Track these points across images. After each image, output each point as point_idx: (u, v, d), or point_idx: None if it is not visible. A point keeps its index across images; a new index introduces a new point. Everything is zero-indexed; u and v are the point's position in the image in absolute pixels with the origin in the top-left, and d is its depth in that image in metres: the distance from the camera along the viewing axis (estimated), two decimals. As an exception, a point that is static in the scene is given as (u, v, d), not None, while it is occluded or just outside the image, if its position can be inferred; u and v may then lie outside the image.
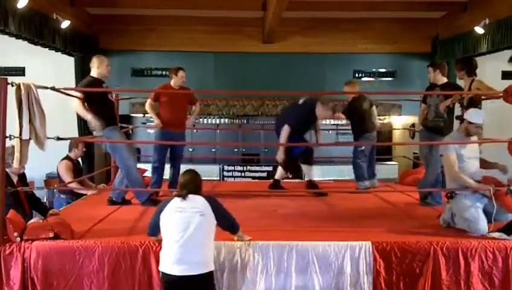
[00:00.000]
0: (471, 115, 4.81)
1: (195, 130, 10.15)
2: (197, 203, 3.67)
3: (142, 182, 5.94)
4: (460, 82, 6.01)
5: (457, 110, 5.88)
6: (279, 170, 6.90)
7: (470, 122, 4.74)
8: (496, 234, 4.29)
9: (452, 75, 6.93)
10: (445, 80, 5.92)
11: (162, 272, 3.63)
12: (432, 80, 5.98)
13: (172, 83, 6.57)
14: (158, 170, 6.54)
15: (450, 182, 4.79)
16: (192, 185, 3.74)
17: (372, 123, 7.07)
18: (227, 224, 3.89)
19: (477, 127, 4.72)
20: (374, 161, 7.43)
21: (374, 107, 7.16)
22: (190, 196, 3.68)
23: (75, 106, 5.47)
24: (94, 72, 5.76)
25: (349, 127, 7.39)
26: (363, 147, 6.92)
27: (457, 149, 4.68)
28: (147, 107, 6.64)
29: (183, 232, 3.54)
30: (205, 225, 3.63)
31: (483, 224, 4.39)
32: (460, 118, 5.33)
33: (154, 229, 3.81)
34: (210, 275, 3.64)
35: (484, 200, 4.57)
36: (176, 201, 3.68)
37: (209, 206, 3.68)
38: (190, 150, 10.09)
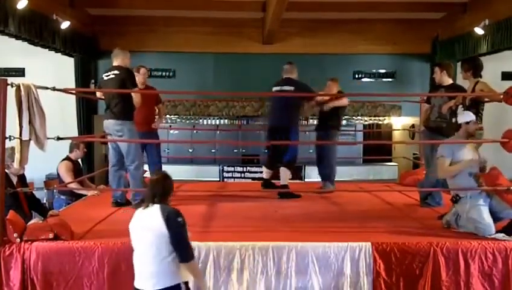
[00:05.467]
0: (463, 116, 4.85)
1: (195, 131, 10.18)
2: (152, 215, 3.24)
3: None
4: (464, 83, 6.00)
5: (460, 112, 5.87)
6: (286, 173, 6.60)
7: (466, 123, 4.76)
8: (499, 235, 4.29)
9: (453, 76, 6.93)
10: (450, 81, 5.91)
11: None
12: (437, 81, 5.96)
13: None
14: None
15: (453, 184, 4.79)
16: (151, 192, 3.32)
17: None
18: (176, 249, 3.21)
19: (474, 124, 4.76)
20: None
21: None
22: (149, 205, 3.29)
23: None
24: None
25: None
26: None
27: (456, 155, 4.68)
28: None
29: (137, 245, 3.31)
30: (156, 239, 3.20)
31: (490, 224, 4.38)
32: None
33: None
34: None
35: (488, 199, 4.58)
36: (138, 211, 3.36)
37: (162, 221, 3.19)
38: (190, 150, 10.11)
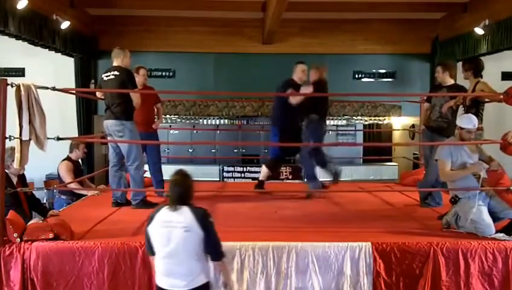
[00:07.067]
0: (462, 120, 4.86)
1: (195, 131, 10.18)
2: (183, 216, 3.25)
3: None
4: (465, 82, 6.00)
5: (461, 112, 5.87)
6: (263, 169, 6.78)
7: (461, 128, 4.78)
8: (499, 235, 4.29)
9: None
10: (452, 81, 5.91)
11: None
12: (439, 80, 5.95)
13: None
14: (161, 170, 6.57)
15: (452, 184, 4.79)
16: (177, 193, 3.31)
17: None
18: (210, 249, 3.35)
19: (468, 132, 4.74)
20: None
21: None
22: (177, 207, 3.27)
23: None
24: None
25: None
26: None
27: (454, 156, 4.69)
28: None
29: (166, 247, 3.25)
30: (191, 240, 3.24)
31: (490, 225, 4.39)
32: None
33: (148, 247, 3.40)
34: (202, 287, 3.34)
35: (487, 200, 4.59)
36: (163, 213, 3.31)
37: (196, 222, 3.23)
38: (190, 150, 10.11)
